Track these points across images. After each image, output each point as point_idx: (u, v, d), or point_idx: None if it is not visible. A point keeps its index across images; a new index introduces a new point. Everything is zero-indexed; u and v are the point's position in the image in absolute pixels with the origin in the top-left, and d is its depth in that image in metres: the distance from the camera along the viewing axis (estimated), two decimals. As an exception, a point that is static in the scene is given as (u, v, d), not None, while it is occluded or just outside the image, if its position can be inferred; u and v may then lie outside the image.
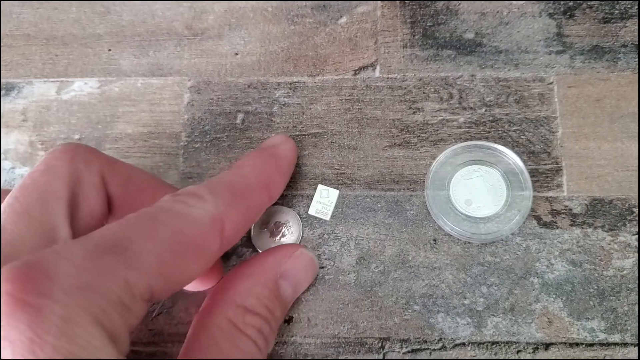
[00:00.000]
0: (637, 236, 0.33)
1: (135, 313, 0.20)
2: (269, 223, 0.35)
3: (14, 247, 0.21)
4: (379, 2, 0.38)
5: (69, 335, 0.17)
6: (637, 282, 0.32)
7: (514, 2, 0.37)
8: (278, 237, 0.34)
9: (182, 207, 0.23)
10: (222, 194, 0.25)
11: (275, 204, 0.35)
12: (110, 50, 0.39)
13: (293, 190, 0.35)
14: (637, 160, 0.34)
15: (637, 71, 0.35)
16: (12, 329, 0.16)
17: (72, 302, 0.17)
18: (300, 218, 0.35)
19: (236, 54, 0.38)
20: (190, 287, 0.32)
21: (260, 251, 0.34)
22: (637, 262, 0.32)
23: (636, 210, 0.33)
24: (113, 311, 0.19)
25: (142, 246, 0.21)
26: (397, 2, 0.38)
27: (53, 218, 0.23)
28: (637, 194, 0.33)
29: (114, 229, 0.21)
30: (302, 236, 0.34)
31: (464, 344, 0.32)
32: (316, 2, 0.39)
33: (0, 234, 0.21)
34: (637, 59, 0.36)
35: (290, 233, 0.34)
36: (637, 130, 0.34)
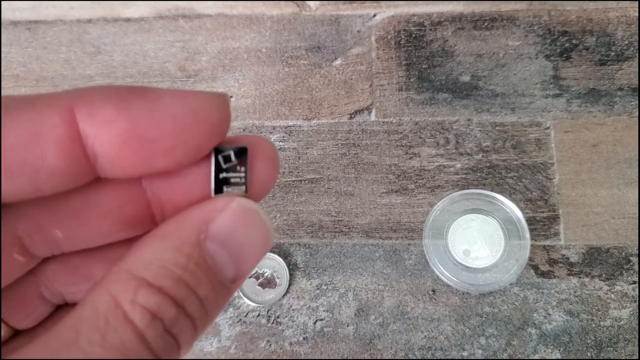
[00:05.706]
0: (633, 285, 0.33)
1: None
2: (256, 271, 0.34)
3: None
4: (373, 43, 0.38)
5: None
6: (636, 332, 0.32)
7: (510, 43, 0.37)
8: (265, 285, 0.34)
9: None
10: None
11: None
12: (101, 92, 0.39)
13: (290, 238, 0.35)
14: (633, 208, 0.34)
15: (637, 115, 0.35)
16: None
17: None
18: (297, 267, 0.34)
19: (230, 97, 0.38)
20: None
21: (249, 301, 0.34)
22: (636, 311, 0.32)
23: (633, 259, 0.33)
24: None
25: None
26: (392, 43, 0.38)
27: None
28: (637, 242, 0.33)
29: None
30: (290, 285, 0.34)
31: (462, 395, 0.32)
32: (310, 43, 0.38)
33: None
34: (633, 103, 0.35)
35: (278, 281, 0.34)
36: (633, 177, 0.34)
